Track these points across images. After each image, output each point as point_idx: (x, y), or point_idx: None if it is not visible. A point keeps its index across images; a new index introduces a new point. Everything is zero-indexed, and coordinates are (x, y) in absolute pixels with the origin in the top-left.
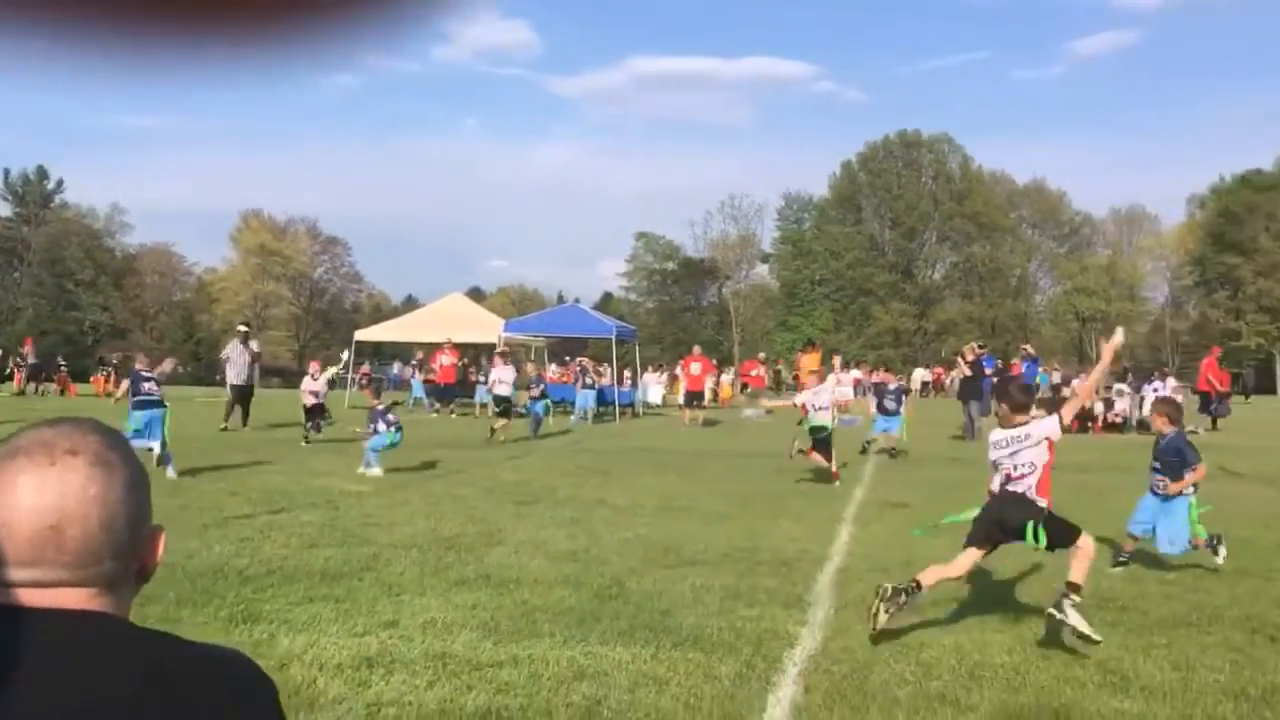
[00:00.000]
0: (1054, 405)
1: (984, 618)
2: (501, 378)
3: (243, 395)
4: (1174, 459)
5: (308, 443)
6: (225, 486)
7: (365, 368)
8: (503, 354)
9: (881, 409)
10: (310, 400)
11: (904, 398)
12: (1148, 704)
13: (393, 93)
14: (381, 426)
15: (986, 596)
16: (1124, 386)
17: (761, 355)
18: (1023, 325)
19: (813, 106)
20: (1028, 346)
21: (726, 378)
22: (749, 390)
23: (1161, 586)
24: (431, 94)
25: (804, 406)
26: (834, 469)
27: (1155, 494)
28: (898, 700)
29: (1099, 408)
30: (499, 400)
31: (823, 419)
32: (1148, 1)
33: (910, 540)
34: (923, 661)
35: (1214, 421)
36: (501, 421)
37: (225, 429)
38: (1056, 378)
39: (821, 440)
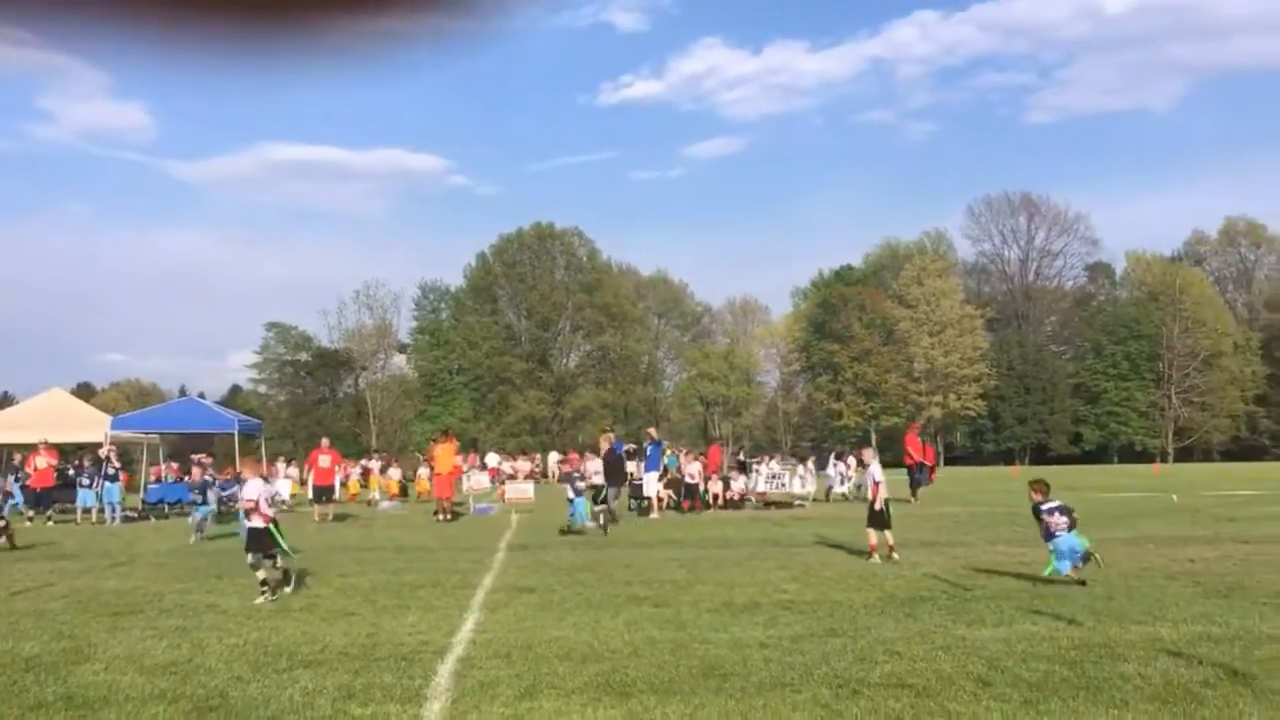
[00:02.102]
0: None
1: (599, 696)
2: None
3: None
4: None
5: None
6: None
7: None
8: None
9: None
10: None
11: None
12: None
13: None
14: None
15: (600, 675)
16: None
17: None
18: (653, 410)
19: (446, 199)
20: (651, 430)
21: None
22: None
23: (762, 651)
24: (29, 174)
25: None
26: None
27: None
28: None
29: (717, 486)
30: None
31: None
32: (749, 113)
33: (533, 624)
34: None
35: (914, 491)
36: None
37: None
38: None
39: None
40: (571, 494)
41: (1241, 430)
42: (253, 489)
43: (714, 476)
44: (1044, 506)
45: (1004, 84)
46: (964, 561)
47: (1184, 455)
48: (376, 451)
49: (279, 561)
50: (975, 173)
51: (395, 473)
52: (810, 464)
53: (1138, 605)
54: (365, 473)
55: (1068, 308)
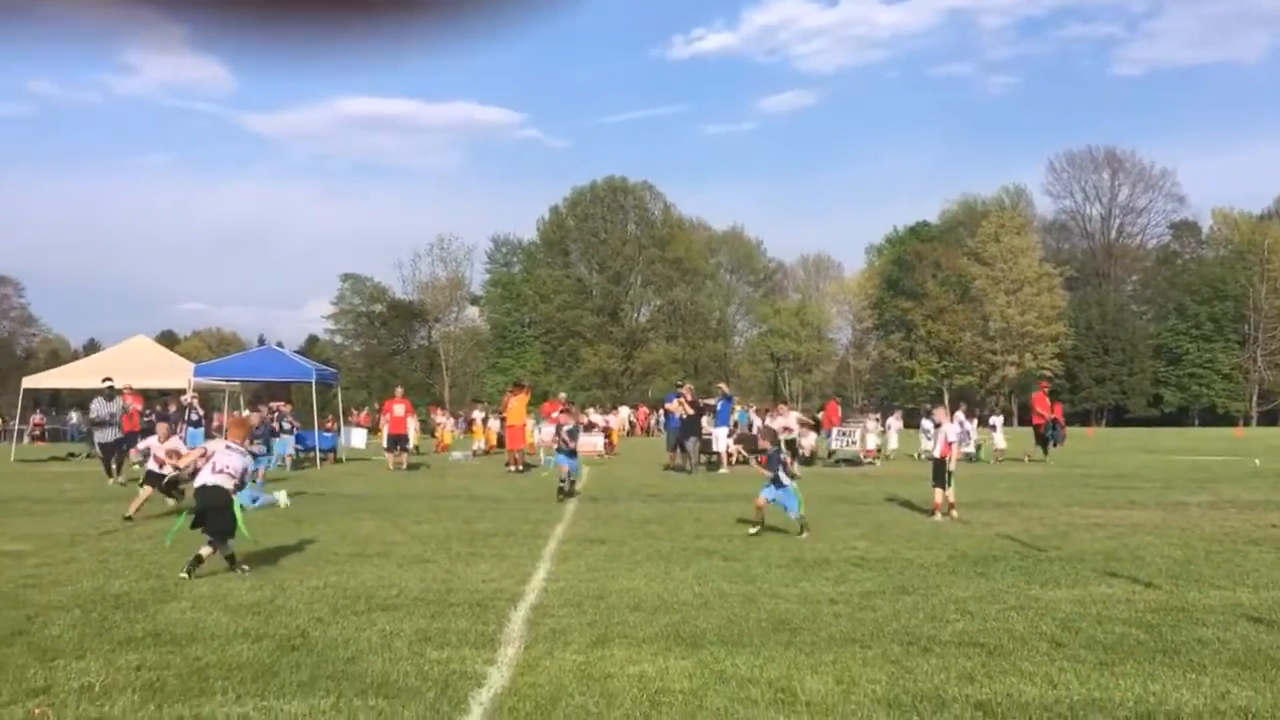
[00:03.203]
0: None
1: (669, 646)
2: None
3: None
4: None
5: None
6: None
7: (38, 418)
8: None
9: (563, 447)
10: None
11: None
12: (811, 717)
13: (69, 124)
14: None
15: (670, 625)
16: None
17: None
18: (723, 365)
19: (518, 152)
20: (722, 385)
21: (446, 420)
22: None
23: (832, 607)
24: (113, 127)
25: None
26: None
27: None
28: None
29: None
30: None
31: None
32: (824, 65)
33: (603, 574)
34: (607, 692)
35: (1045, 449)
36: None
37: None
38: (753, 414)
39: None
40: (557, 448)
41: None
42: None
43: (821, 433)
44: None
45: (1089, 35)
46: (1038, 522)
47: (1268, 419)
48: (478, 402)
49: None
50: (1057, 127)
51: (496, 424)
52: (889, 420)
53: (1217, 570)
54: (469, 423)
55: (1150, 266)
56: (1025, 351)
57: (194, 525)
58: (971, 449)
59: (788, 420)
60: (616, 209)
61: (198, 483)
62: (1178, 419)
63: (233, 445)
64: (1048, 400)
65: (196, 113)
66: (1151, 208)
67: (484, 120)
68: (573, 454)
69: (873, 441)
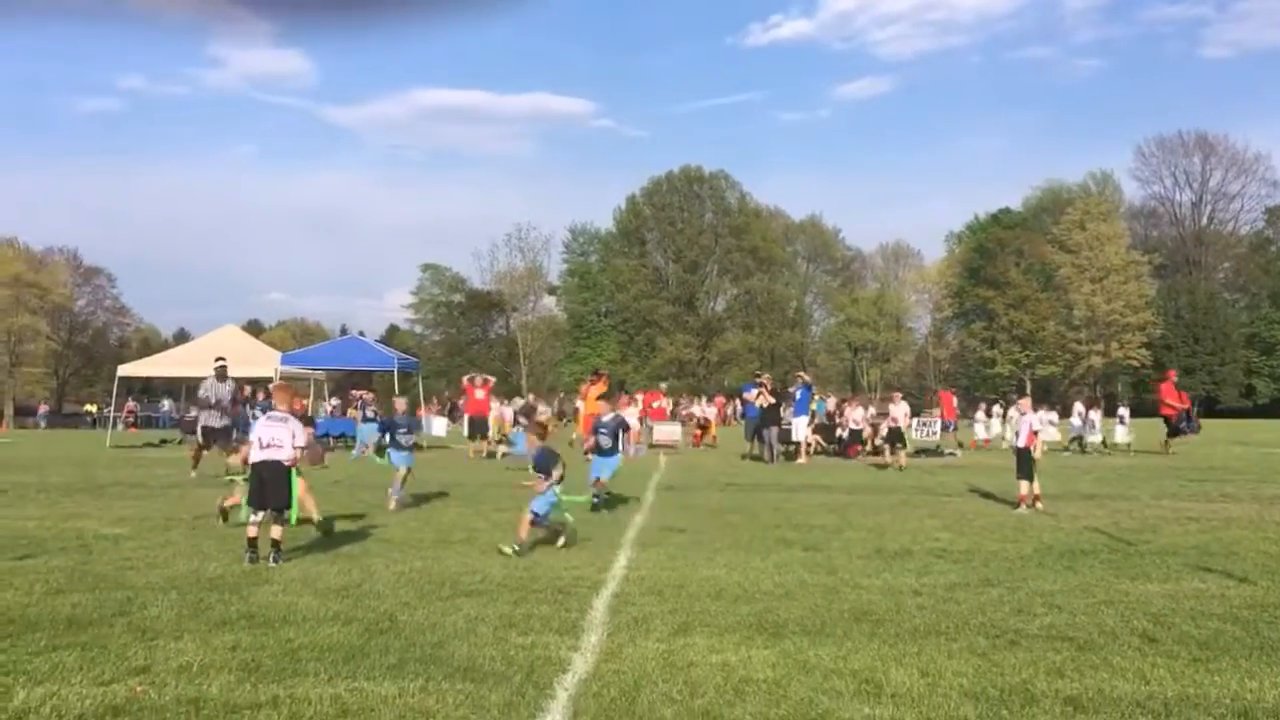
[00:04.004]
0: (831, 431)
1: (751, 635)
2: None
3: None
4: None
5: None
6: None
7: (131, 405)
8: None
9: (596, 447)
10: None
11: (622, 433)
12: (896, 709)
13: (159, 116)
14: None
15: (752, 615)
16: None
17: (663, 386)
18: (800, 355)
19: (594, 141)
20: (802, 374)
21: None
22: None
23: (915, 599)
24: (201, 119)
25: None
26: None
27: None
28: (664, 719)
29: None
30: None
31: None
32: (902, 51)
33: (684, 563)
34: (690, 680)
35: (1169, 440)
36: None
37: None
38: (831, 404)
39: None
40: (601, 446)
41: None
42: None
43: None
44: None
45: (1177, 17)
46: (1126, 515)
47: None
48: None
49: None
50: (1145, 111)
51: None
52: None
53: None
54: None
55: (1243, 253)
56: (1111, 341)
57: (253, 504)
58: (1096, 437)
59: (897, 409)
60: (692, 198)
61: (252, 461)
62: (1272, 410)
63: (273, 415)
64: (1175, 390)
65: (280, 106)
66: (1245, 193)
67: (559, 110)
68: (611, 451)
69: (985, 431)
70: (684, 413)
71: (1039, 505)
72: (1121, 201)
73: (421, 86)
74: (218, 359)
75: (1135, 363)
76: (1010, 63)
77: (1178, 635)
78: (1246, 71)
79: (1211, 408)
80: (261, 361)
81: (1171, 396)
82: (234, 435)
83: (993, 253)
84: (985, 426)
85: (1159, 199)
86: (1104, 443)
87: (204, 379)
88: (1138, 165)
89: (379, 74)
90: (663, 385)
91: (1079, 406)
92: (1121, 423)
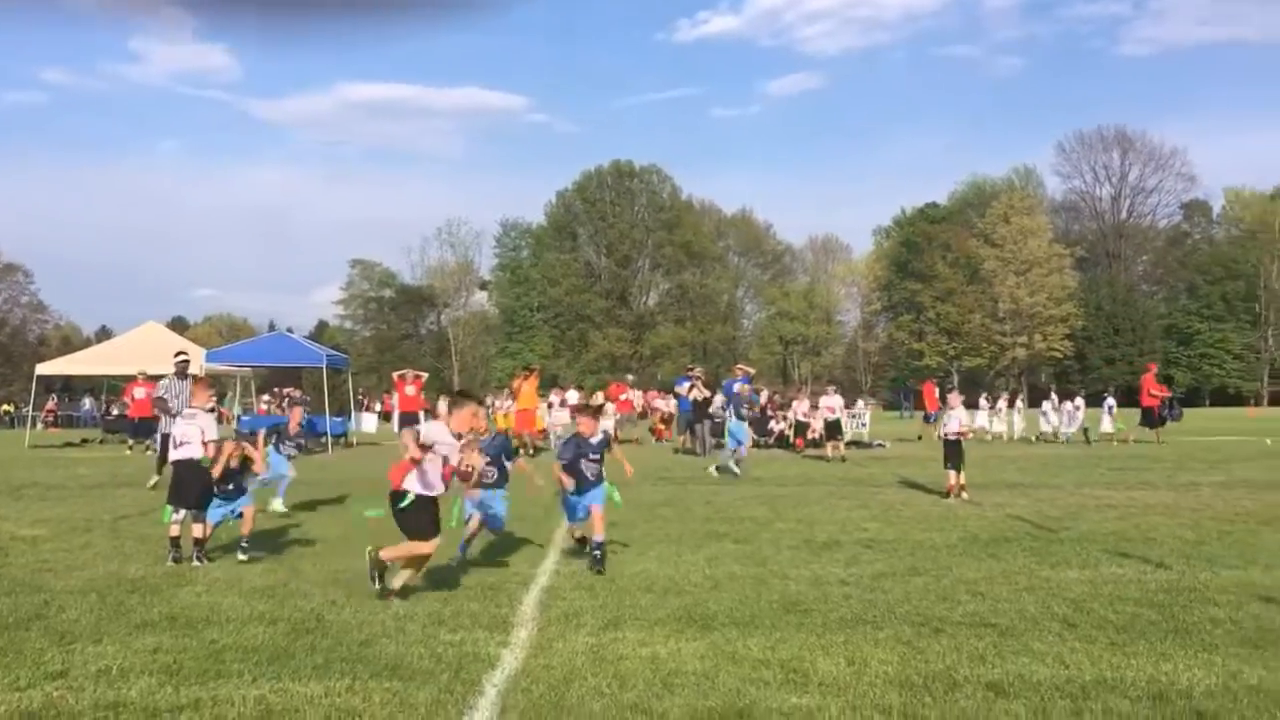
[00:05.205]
0: (764, 424)
1: (681, 628)
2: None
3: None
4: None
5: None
6: None
7: (52, 404)
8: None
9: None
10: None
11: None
12: (822, 697)
13: (82, 110)
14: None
15: (682, 608)
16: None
17: (630, 378)
18: (732, 349)
19: (526, 137)
20: (743, 366)
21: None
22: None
23: (843, 588)
24: (125, 114)
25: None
26: None
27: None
28: (593, 713)
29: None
30: None
31: None
32: (829, 48)
33: (615, 557)
34: (620, 673)
35: (1158, 427)
36: None
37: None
38: (764, 397)
39: None
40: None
41: None
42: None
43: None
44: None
45: (1095, 15)
46: (1049, 503)
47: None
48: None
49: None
50: (1066, 107)
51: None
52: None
53: (1229, 550)
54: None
55: (1161, 246)
56: (1035, 333)
57: (172, 503)
58: (1068, 431)
59: (831, 400)
60: (624, 192)
61: (171, 459)
62: (1189, 400)
63: (186, 412)
64: (1156, 381)
65: (205, 100)
66: (1162, 187)
67: (492, 105)
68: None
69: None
70: (650, 406)
71: (964, 495)
72: (1044, 196)
73: (348, 80)
74: (178, 354)
75: (1058, 354)
76: (935, 60)
77: (1096, 620)
78: (1163, 68)
79: (1131, 397)
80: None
81: (1154, 387)
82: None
83: (920, 247)
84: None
85: (1080, 193)
86: (1086, 431)
87: (161, 378)
88: (1059, 161)
89: (304, 67)
90: (629, 378)
91: (1053, 398)
92: (1108, 413)
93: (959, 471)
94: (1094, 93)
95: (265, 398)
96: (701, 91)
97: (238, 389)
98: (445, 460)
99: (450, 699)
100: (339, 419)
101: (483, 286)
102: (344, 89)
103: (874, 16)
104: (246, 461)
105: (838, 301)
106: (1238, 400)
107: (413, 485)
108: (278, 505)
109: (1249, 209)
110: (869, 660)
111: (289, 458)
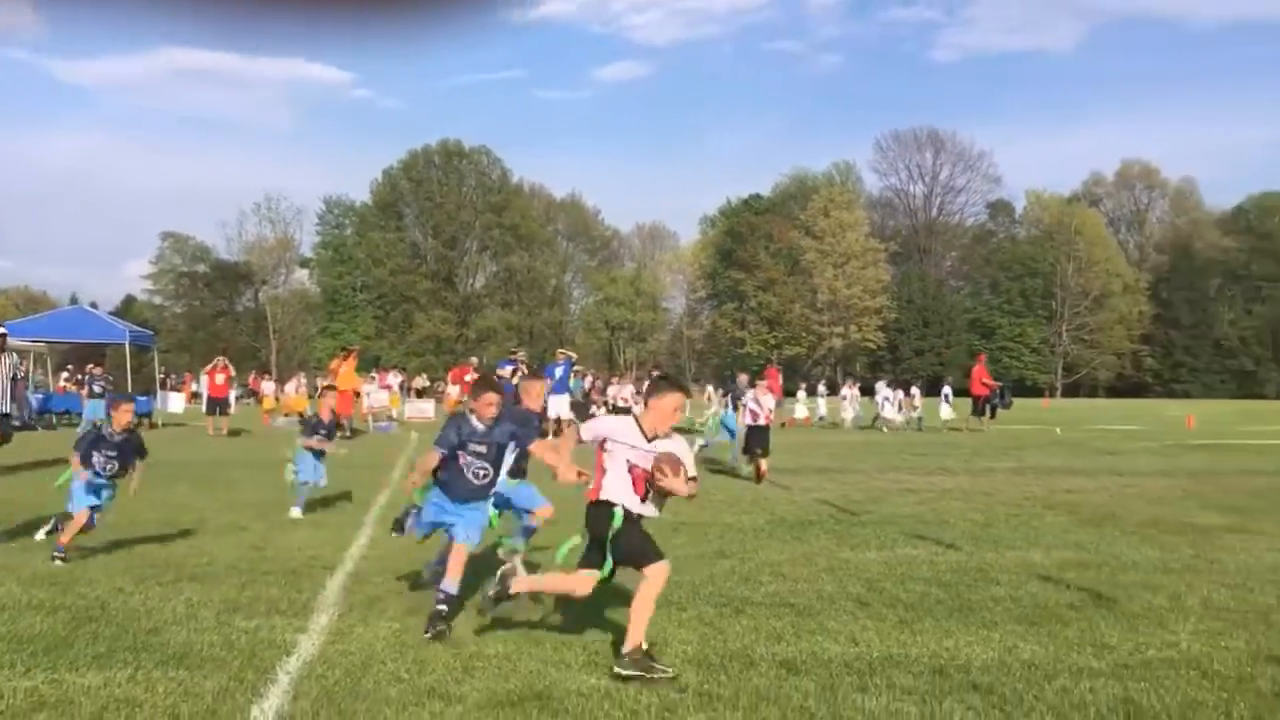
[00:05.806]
0: (586, 409)
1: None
2: None
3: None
4: None
5: None
6: None
7: None
8: None
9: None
10: None
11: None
12: (624, 679)
13: None
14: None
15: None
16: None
17: (474, 360)
18: (558, 333)
19: (351, 112)
20: (565, 350)
21: (291, 386)
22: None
23: None
24: None
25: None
26: None
27: None
28: (389, 699)
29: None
30: None
31: None
32: (657, 37)
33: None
34: (420, 659)
35: (990, 416)
36: None
37: None
38: (588, 382)
39: None
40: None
41: (1126, 367)
42: None
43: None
44: None
45: (911, 19)
46: (854, 488)
47: (1071, 390)
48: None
49: None
50: (885, 106)
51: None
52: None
53: (1015, 532)
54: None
55: (968, 244)
56: (851, 324)
57: None
58: (898, 419)
59: (623, 390)
60: (452, 172)
61: None
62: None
63: None
64: (986, 372)
65: (3, 59)
66: (970, 187)
67: (313, 78)
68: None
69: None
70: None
71: (766, 478)
72: (862, 191)
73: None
74: None
75: (871, 344)
76: (761, 54)
77: (888, 599)
78: (972, 74)
79: (936, 388)
80: None
81: (985, 377)
82: (13, 421)
83: (744, 236)
84: (806, 406)
85: (895, 190)
86: (920, 420)
87: None
88: (876, 158)
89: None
90: (474, 360)
91: (882, 387)
92: (946, 401)
93: (766, 456)
94: (909, 94)
95: (64, 376)
96: (531, 73)
97: (32, 365)
98: (632, 466)
99: (239, 687)
100: (144, 398)
101: (304, 264)
102: (161, 53)
103: (702, 9)
104: None
105: (664, 289)
106: (1034, 392)
107: (618, 495)
108: (295, 513)
109: (1048, 210)
110: (670, 640)
111: (318, 455)
